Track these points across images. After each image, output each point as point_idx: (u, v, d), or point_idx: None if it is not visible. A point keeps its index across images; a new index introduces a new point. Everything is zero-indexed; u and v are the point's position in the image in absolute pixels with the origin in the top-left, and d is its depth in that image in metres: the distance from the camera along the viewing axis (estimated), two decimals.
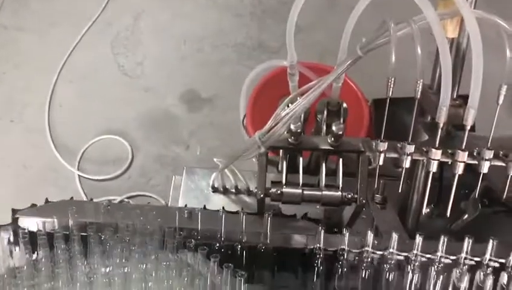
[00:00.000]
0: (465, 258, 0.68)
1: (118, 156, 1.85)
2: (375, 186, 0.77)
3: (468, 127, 0.63)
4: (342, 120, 0.87)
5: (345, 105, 0.89)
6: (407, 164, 0.65)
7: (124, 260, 0.61)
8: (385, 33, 0.69)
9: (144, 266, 0.59)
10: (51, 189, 1.77)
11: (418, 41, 0.63)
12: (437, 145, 0.65)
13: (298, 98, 0.79)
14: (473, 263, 0.69)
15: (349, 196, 0.82)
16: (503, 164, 0.66)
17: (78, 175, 1.83)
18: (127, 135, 1.87)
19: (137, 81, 1.97)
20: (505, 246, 0.69)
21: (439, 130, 0.64)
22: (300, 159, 0.88)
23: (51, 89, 1.94)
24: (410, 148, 0.65)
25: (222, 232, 0.71)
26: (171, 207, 0.80)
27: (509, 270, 0.68)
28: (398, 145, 0.66)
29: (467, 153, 0.65)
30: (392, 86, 0.65)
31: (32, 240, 0.65)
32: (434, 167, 0.65)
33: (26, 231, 0.67)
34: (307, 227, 0.76)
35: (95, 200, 0.89)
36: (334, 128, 0.79)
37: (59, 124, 1.90)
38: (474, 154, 0.66)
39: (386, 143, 0.65)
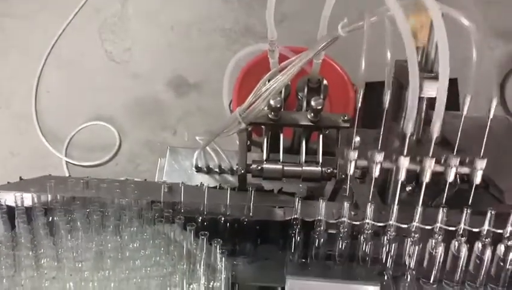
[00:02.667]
0: (440, 228, 0.69)
1: (105, 142, 1.85)
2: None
3: (434, 137, 0.65)
4: (322, 96, 0.87)
5: (325, 82, 0.89)
6: (376, 172, 0.67)
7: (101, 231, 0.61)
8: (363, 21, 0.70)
9: (120, 237, 0.60)
10: (39, 175, 1.77)
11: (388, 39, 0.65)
12: (405, 154, 0.66)
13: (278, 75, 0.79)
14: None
15: (329, 170, 0.83)
16: (468, 171, 0.68)
17: (66, 161, 1.83)
18: (114, 121, 1.87)
19: (125, 67, 1.96)
20: (479, 217, 0.70)
21: (407, 140, 0.66)
22: (281, 135, 0.89)
23: (38, 75, 1.93)
24: (380, 157, 0.66)
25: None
26: (149, 182, 0.80)
27: (483, 239, 0.69)
28: (369, 153, 0.68)
29: (433, 160, 0.66)
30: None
31: (11, 214, 0.66)
32: (402, 176, 0.67)
33: (4, 204, 0.67)
34: (285, 200, 0.76)
35: None
36: (313, 103, 0.80)
37: (46, 111, 1.90)
38: (442, 162, 0.68)
39: (357, 152, 0.67)
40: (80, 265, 0.55)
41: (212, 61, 1.92)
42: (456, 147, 0.69)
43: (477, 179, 0.67)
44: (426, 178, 0.67)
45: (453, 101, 1.05)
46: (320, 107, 0.80)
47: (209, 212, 0.70)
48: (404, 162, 0.66)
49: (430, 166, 0.66)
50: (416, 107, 0.64)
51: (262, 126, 0.89)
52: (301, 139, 0.90)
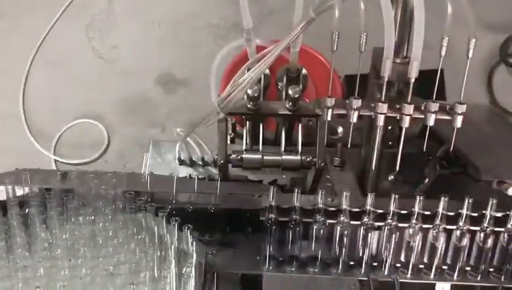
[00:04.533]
0: (418, 214, 0.69)
1: (94, 140, 1.85)
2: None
3: (413, 80, 0.64)
4: (301, 85, 0.87)
5: (304, 71, 0.89)
6: (354, 118, 0.66)
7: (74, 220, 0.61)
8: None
9: (93, 226, 0.60)
10: None
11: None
12: (383, 99, 0.65)
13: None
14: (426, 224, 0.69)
15: (308, 159, 0.83)
16: (449, 117, 0.67)
17: (55, 160, 1.82)
18: (103, 118, 1.87)
19: (112, 64, 1.95)
20: (456, 203, 0.69)
21: (385, 84, 0.64)
22: (261, 125, 0.88)
23: (25, 74, 1.93)
24: (357, 103, 0.65)
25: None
26: (127, 173, 0.80)
27: (461, 226, 0.69)
28: (347, 101, 0.66)
29: (412, 106, 0.65)
30: (336, 40, 0.66)
31: None
32: (381, 121, 0.66)
33: None
34: (262, 188, 0.76)
35: None
36: (290, 91, 0.79)
37: (34, 110, 1.89)
38: (422, 108, 0.67)
39: (334, 99, 0.65)
40: (50, 253, 0.54)
41: (200, 57, 1.92)
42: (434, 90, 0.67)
43: (458, 123, 0.66)
44: (406, 124, 0.66)
45: (440, 91, 1.05)
46: (297, 96, 0.79)
47: (183, 202, 0.70)
48: (382, 108, 0.65)
49: (409, 112, 0.65)
50: (393, 44, 0.62)
51: (243, 116, 0.90)
52: (281, 129, 0.90)
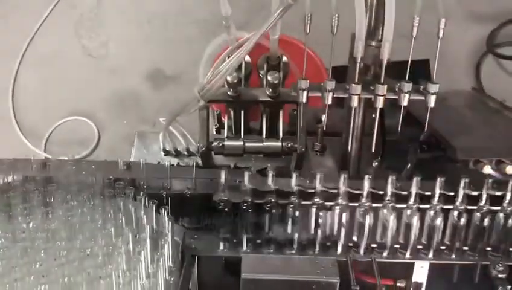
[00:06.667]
0: (392, 195, 0.70)
1: (84, 137, 1.85)
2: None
3: (385, 61, 0.64)
4: (281, 73, 0.87)
5: (285, 58, 0.89)
6: (329, 100, 0.66)
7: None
8: None
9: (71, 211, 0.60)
10: None
11: None
12: (356, 80, 0.66)
13: None
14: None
15: (289, 145, 0.83)
16: (423, 98, 0.68)
17: (46, 157, 1.82)
18: (93, 115, 1.87)
19: (102, 62, 1.95)
20: (430, 183, 0.70)
21: (358, 65, 0.65)
22: (242, 112, 0.89)
23: (14, 73, 1.93)
24: (332, 85, 0.66)
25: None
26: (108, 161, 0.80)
27: (435, 206, 0.69)
28: (322, 84, 0.67)
29: (386, 86, 0.66)
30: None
31: None
32: (355, 103, 0.67)
33: None
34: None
35: None
36: (269, 78, 0.80)
37: (24, 108, 1.89)
38: (396, 89, 0.67)
39: (308, 81, 0.66)
40: (28, 237, 0.55)
41: (189, 53, 1.90)
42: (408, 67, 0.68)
43: (432, 103, 0.67)
44: (380, 104, 0.67)
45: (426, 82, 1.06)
46: (276, 82, 0.80)
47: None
48: (356, 89, 0.66)
49: (382, 92, 0.65)
50: (364, 26, 0.62)
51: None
52: (263, 115, 0.90)
